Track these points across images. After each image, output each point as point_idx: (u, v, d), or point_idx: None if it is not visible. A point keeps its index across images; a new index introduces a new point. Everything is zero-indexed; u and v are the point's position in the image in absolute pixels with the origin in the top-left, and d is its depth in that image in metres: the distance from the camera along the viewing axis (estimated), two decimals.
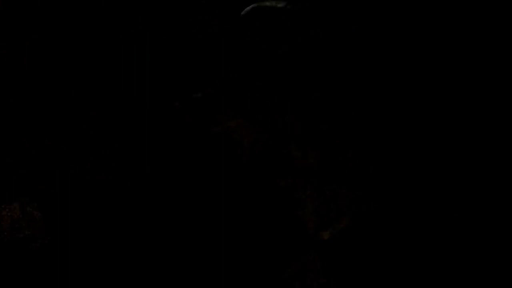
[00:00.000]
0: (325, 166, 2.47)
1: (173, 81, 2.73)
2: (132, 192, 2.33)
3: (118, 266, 2.10)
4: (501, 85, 2.72)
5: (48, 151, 2.43)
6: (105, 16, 2.86)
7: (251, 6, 2.26)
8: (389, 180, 2.48)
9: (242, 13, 2.14)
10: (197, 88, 2.70)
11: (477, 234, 2.33)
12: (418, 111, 2.71)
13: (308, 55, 2.87)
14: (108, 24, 2.84)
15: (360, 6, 2.98)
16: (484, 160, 2.57)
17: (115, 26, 2.83)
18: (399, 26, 2.92)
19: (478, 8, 2.77)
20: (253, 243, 2.23)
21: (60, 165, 2.38)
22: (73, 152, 2.44)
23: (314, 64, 2.84)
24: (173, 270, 2.11)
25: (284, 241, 2.22)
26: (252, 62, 2.82)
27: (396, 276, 2.18)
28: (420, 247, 2.28)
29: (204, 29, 2.91)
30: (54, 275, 2.08)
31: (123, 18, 2.87)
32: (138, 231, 2.20)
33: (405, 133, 2.65)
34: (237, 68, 2.79)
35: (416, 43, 2.87)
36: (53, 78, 2.67)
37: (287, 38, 2.91)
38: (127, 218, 2.24)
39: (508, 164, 2.55)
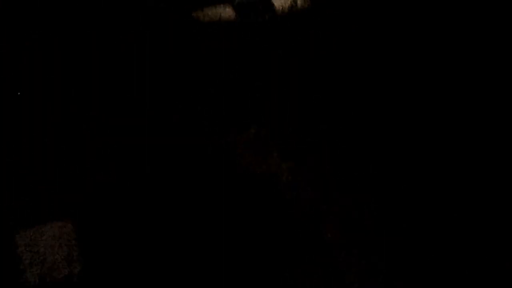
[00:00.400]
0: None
1: (173, 81, 2.73)
2: (132, 192, 2.33)
3: (118, 266, 2.10)
4: (501, 85, 2.73)
5: (48, 151, 2.43)
6: (105, 16, 2.86)
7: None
8: (389, 180, 2.48)
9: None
10: (197, 88, 2.70)
11: (477, 234, 2.33)
12: (419, 111, 2.71)
13: (308, 55, 2.87)
14: (108, 24, 2.84)
15: (360, 6, 2.98)
16: (484, 159, 2.57)
17: (115, 26, 2.84)
18: (399, 26, 2.93)
19: (477, 8, 2.77)
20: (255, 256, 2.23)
21: (60, 165, 2.38)
22: (73, 152, 2.44)
23: (314, 64, 2.84)
24: (173, 271, 2.11)
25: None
26: (252, 62, 2.83)
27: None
28: (420, 247, 2.28)
29: (204, 29, 2.91)
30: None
31: (123, 18, 2.87)
32: (138, 231, 2.20)
33: (406, 133, 2.65)
34: (237, 68, 2.79)
35: (415, 43, 2.87)
36: (53, 78, 2.67)
37: (287, 38, 2.91)
38: (127, 218, 2.24)
39: (508, 164, 2.55)
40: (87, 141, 2.48)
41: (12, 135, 2.46)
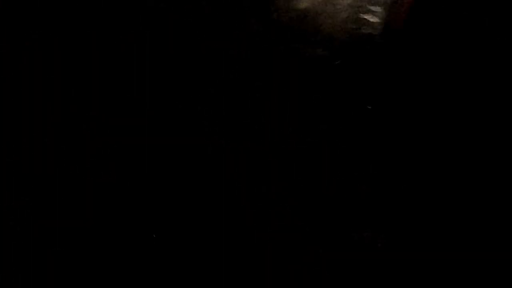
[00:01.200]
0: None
1: (173, 82, 2.73)
2: (132, 192, 2.33)
3: (117, 267, 2.10)
4: (501, 86, 2.73)
5: (48, 151, 2.43)
6: (105, 16, 2.86)
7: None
8: (389, 180, 2.48)
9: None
10: (197, 88, 2.70)
11: (477, 234, 2.33)
12: (418, 111, 2.71)
13: (308, 55, 2.87)
14: (108, 24, 2.84)
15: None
16: (485, 159, 2.57)
17: (115, 26, 2.84)
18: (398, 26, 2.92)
19: (477, 8, 2.77)
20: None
21: (60, 165, 2.38)
22: (73, 152, 2.44)
23: (314, 64, 2.84)
24: (173, 271, 2.11)
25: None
26: (252, 62, 2.83)
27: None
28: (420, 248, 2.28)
29: (204, 29, 2.91)
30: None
31: (123, 18, 2.87)
32: (138, 231, 2.20)
33: (406, 133, 2.65)
34: (237, 68, 2.79)
35: (415, 43, 2.87)
36: (53, 78, 2.67)
37: (287, 38, 2.91)
38: (127, 219, 2.24)
39: (508, 164, 2.55)
40: (87, 141, 2.48)
41: (12, 135, 2.46)
